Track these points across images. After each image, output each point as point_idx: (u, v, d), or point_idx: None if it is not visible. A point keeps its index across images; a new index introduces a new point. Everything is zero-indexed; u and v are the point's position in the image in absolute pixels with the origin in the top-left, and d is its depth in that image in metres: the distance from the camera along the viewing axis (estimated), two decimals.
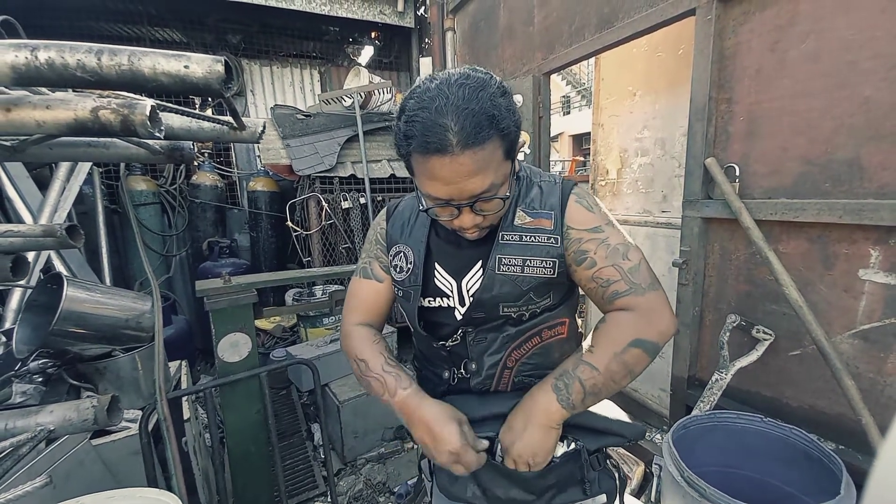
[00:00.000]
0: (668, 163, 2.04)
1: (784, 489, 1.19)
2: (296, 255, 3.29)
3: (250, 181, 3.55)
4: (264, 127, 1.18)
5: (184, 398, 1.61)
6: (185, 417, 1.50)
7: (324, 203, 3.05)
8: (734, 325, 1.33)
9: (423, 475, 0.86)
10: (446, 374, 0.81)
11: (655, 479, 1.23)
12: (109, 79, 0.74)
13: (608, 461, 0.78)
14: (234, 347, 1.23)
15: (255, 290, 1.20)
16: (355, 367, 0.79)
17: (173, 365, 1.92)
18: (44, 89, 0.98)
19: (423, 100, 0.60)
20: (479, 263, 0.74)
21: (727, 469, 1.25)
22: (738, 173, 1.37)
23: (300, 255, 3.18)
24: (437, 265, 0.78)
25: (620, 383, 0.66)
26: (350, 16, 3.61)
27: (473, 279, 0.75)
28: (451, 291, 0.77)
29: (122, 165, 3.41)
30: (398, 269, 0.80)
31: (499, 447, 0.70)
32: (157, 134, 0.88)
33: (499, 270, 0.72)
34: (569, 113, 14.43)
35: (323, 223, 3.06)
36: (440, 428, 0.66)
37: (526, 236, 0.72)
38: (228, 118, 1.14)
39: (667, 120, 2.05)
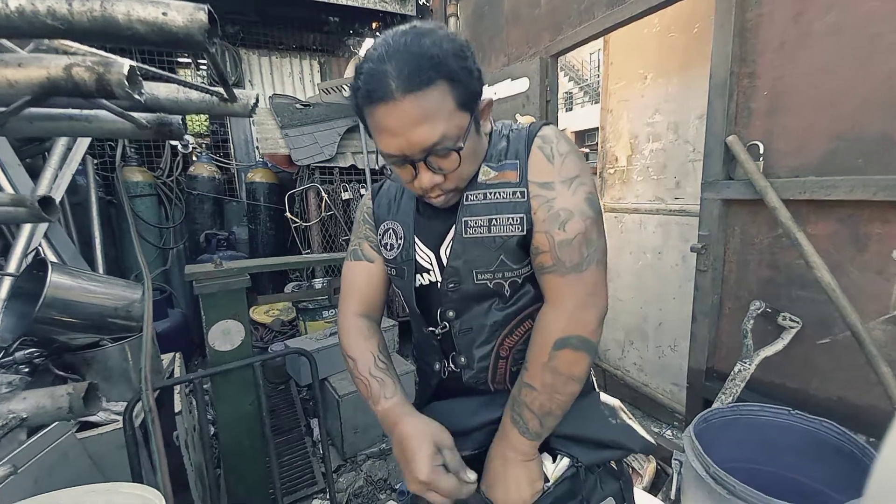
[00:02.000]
0: (682, 147, 1.96)
1: (812, 486, 1.11)
2: (295, 248, 3.22)
3: (248, 172, 3.48)
4: (257, 99, 1.10)
5: (176, 391, 1.54)
6: (177, 410, 1.43)
7: (323, 194, 2.97)
8: (758, 311, 1.25)
9: None
10: (437, 366, 0.75)
11: (675, 475, 1.16)
12: (81, 26, 0.67)
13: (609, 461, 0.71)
14: (225, 335, 1.15)
15: (247, 275, 1.13)
16: (347, 364, 0.74)
17: (167, 357, 1.85)
18: (17, 48, 0.90)
19: (368, 53, 0.58)
20: (453, 230, 0.68)
21: (750, 465, 1.18)
22: (761, 151, 1.29)
23: (300, 247, 3.11)
24: (416, 239, 0.73)
25: (567, 392, 0.60)
26: (350, 3, 3.52)
27: (447, 247, 0.69)
28: (431, 264, 0.71)
29: (118, 156, 3.34)
30: (388, 247, 0.75)
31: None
32: (137, 97, 0.81)
33: (466, 234, 0.66)
34: (571, 109, 14.33)
35: (323, 214, 2.99)
36: (413, 451, 0.60)
37: (490, 193, 0.65)
38: (219, 89, 1.06)
39: (680, 103, 1.96)
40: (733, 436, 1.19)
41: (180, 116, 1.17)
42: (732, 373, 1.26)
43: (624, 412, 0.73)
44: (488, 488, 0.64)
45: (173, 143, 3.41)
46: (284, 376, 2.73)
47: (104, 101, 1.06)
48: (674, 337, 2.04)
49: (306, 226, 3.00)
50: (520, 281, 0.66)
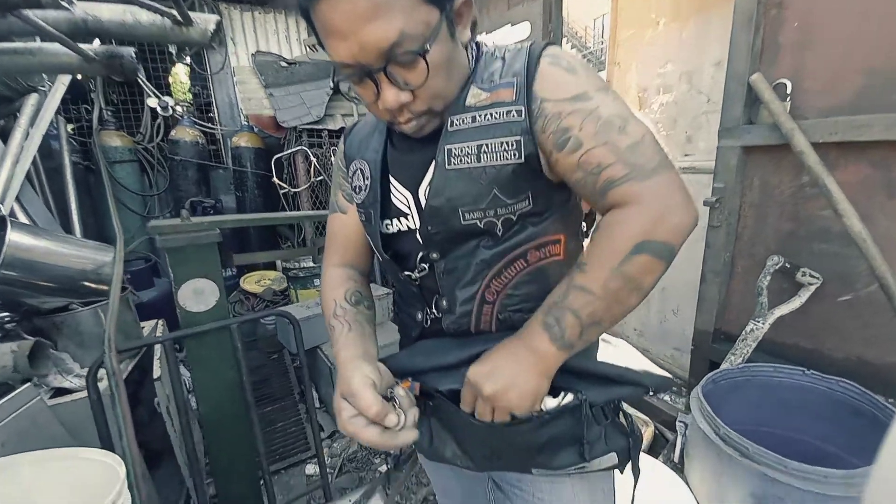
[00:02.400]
0: (695, 99, 1.82)
1: (826, 449, 1.06)
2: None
3: (233, 137, 3.30)
4: (218, 25, 0.96)
5: (156, 356, 1.47)
6: (156, 376, 1.37)
7: (312, 158, 2.82)
8: (776, 267, 1.16)
9: None
10: (420, 316, 0.65)
11: (680, 437, 1.10)
12: None
13: (619, 413, 0.62)
14: (198, 295, 1.06)
15: (217, 230, 1.03)
16: None
17: (148, 324, 1.78)
18: None
19: None
20: (433, 164, 0.57)
21: (759, 428, 1.12)
22: (788, 90, 1.16)
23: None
24: (392, 178, 0.63)
25: (627, 303, 0.50)
26: None
27: (427, 186, 0.58)
28: (409, 207, 0.61)
29: (95, 118, 3.15)
30: (358, 190, 0.66)
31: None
32: (65, 4, 0.68)
33: (450, 165, 0.55)
34: None
35: (312, 180, 2.85)
36: (335, 398, 0.55)
37: (480, 115, 0.54)
38: (172, 10, 0.92)
39: (695, 49, 1.80)
40: (743, 397, 1.12)
41: (133, 48, 1.03)
42: (744, 332, 1.18)
43: (634, 349, 0.64)
44: (480, 375, 0.53)
45: (152, 104, 3.21)
46: (277, 346, 2.68)
47: (47, 27, 0.92)
48: (677, 301, 1.97)
49: (295, 192, 2.86)
50: (514, 218, 0.56)
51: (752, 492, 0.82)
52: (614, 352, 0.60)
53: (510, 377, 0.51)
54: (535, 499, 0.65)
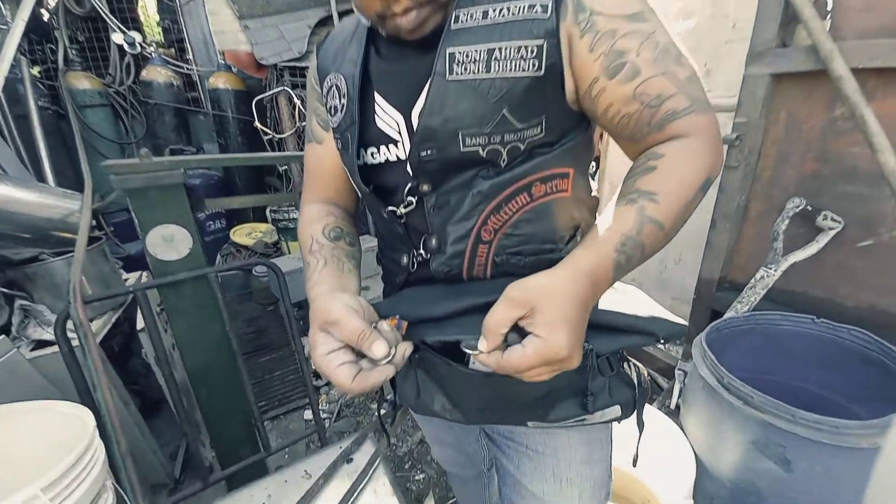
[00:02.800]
0: (719, 24, 1.62)
1: (829, 398, 1.04)
2: (273, 165, 2.95)
3: (210, 77, 3.04)
4: None
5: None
6: (140, 328, 1.33)
7: (296, 100, 2.61)
8: (797, 210, 1.07)
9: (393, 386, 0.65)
10: (405, 260, 0.56)
11: (678, 385, 1.08)
12: None
13: (626, 363, 0.57)
14: (168, 243, 0.98)
15: (182, 170, 0.92)
16: None
17: (133, 275, 1.72)
18: None
19: None
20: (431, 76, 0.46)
21: (762, 376, 1.09)
22: (829, 7, 1.01)
23: (276, 164, 2.83)
24: (376, 95, 0.51)
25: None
26: None
27: (423, 104, 0.47)
28: (399, 132, 0.50)
29: (60, 59, 2.89)
30: (333, 111, 0.55)
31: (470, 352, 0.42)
32: None
33: (451, 74, 0.44)
34: None
35: (298, 124, 2.66)
36: (310, 333, 0.47)
37: (494, 10, 0.44)
38: None
39: None
40: (746, 345, 1.09)
41: None
42: (753, 280, 1.13)
43: (647, 296, 0.57)
44: (570, 348, 0.38)
45: (118, 41, 2.92)
46: (272, 297, 2.67)
47: None
48: (680, 250, 1.90)
49: (280, 138, 2.69)
50: (522, 147, 0.46)
51: (754, 440, 0.80)
52: (624, 299, 0.53)
53: (582, 334, 0.41)
54: (528, 450, 0.61)
